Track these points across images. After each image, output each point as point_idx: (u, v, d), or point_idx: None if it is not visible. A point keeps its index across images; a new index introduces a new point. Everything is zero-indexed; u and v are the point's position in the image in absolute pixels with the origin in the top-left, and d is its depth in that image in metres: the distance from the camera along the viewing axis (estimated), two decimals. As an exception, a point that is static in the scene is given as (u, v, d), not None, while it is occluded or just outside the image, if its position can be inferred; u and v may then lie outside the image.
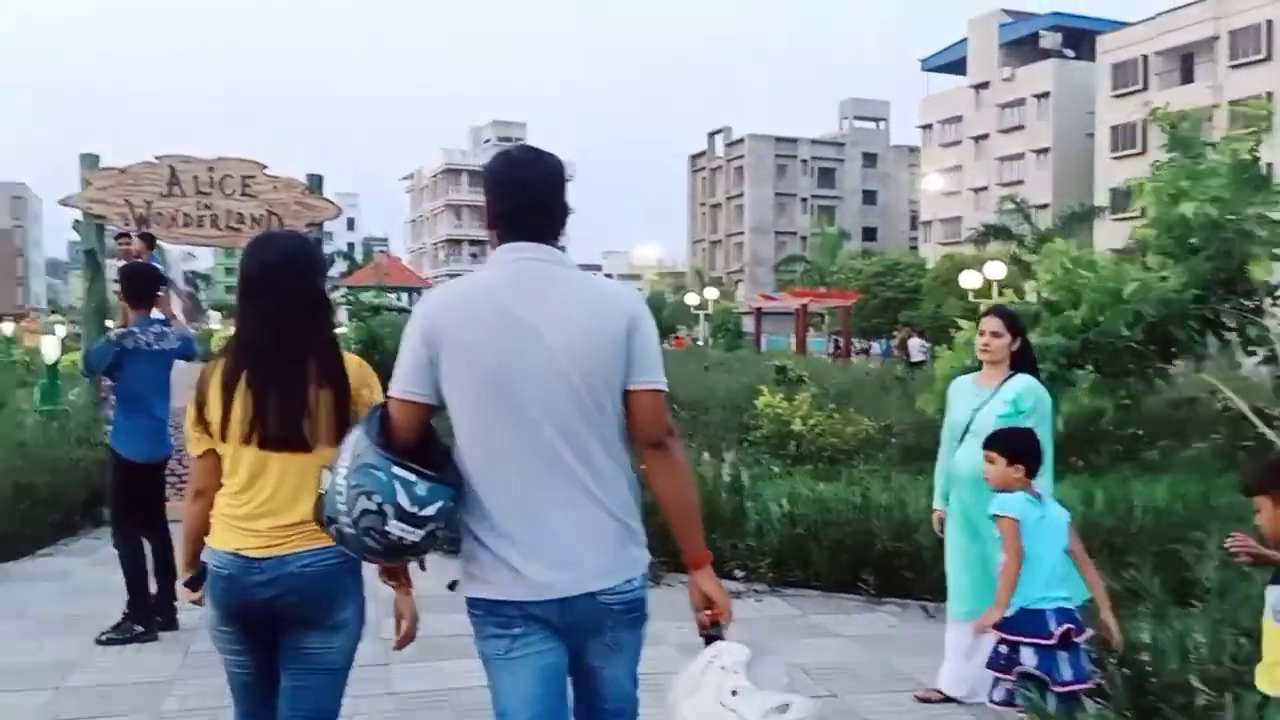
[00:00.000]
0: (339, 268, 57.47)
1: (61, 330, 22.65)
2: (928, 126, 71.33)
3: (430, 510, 2.17)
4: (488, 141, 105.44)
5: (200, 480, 2.65)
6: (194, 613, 5.66)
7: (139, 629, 5.34)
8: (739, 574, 6.22)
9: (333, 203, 12.30)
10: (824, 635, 5.47)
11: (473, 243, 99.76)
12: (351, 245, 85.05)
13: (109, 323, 10.40)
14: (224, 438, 2.58)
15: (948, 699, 4.40)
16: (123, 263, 10.82)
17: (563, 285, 2.30)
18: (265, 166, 11.83)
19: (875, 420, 10.04)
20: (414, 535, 2.18)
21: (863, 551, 5.82)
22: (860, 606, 5.95)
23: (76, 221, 11.30)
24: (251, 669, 2.63)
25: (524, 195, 2.34)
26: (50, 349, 13.72)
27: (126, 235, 10.54)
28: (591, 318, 2.27)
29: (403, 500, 2.15)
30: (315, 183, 12.08)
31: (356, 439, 2.24)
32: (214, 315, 41.64)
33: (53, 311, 52.85)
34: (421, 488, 2.17)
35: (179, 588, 2.71)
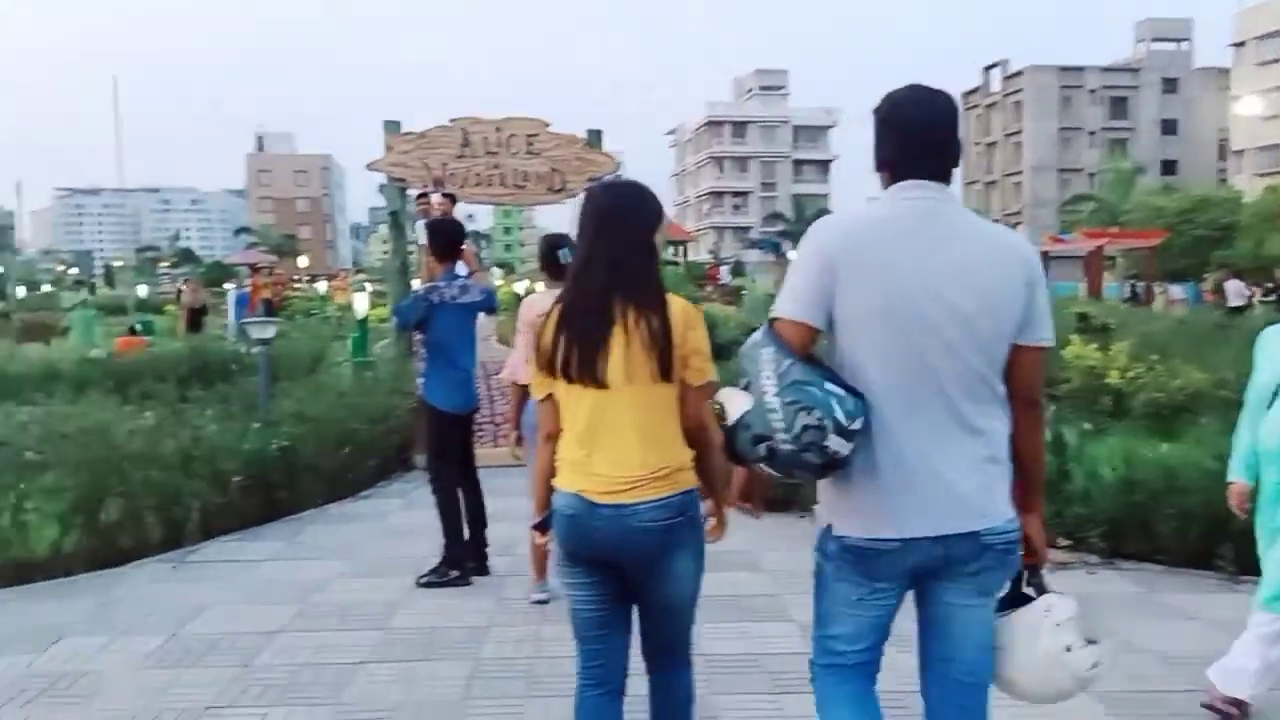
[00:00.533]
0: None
1: (368, 287, 24.59)
2: (1241, 44, 63.63)
3: (857, 424, 2.20)
4: (750, 92, 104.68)
5: (549, 423, 2.73)
6: (504, 560, 5.94)
7: (454, 574, 5.53)
8: (1063, 543, 5.64)
9: (611, 156, 12.41)
10: (1181, 618, 4.83)
11: (735, 194, 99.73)
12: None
13: (415, 281, 11.01)
14: (568, 379, 2.62)
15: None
16: (421, 221, 11.46)
17: (961, 229, 2.31)
18: (548, 124, 12.08)
19: (1208, 372, 8.89)
20: (846, 449, 2.20)
21: (1218, 523, 5.07)
22: (1216, 585, 5.23)
23: (382, 185, 12.02)
24: (596, 606, 2.70)
25: (920, 135, 2.34)
26: (360, 305, 14.84)
27: (425, 196, 11.03)
28: (993, 266, 2.28)
29: (839, 415, 2.18)
30: (594, 138, 12.22)
31: (771, 356, 2.24)
32: (496, 272, 43.97)
33: (358, 271, 57.81)
34: (849, 403, 2.20)
35: (528, 531, 2.80)
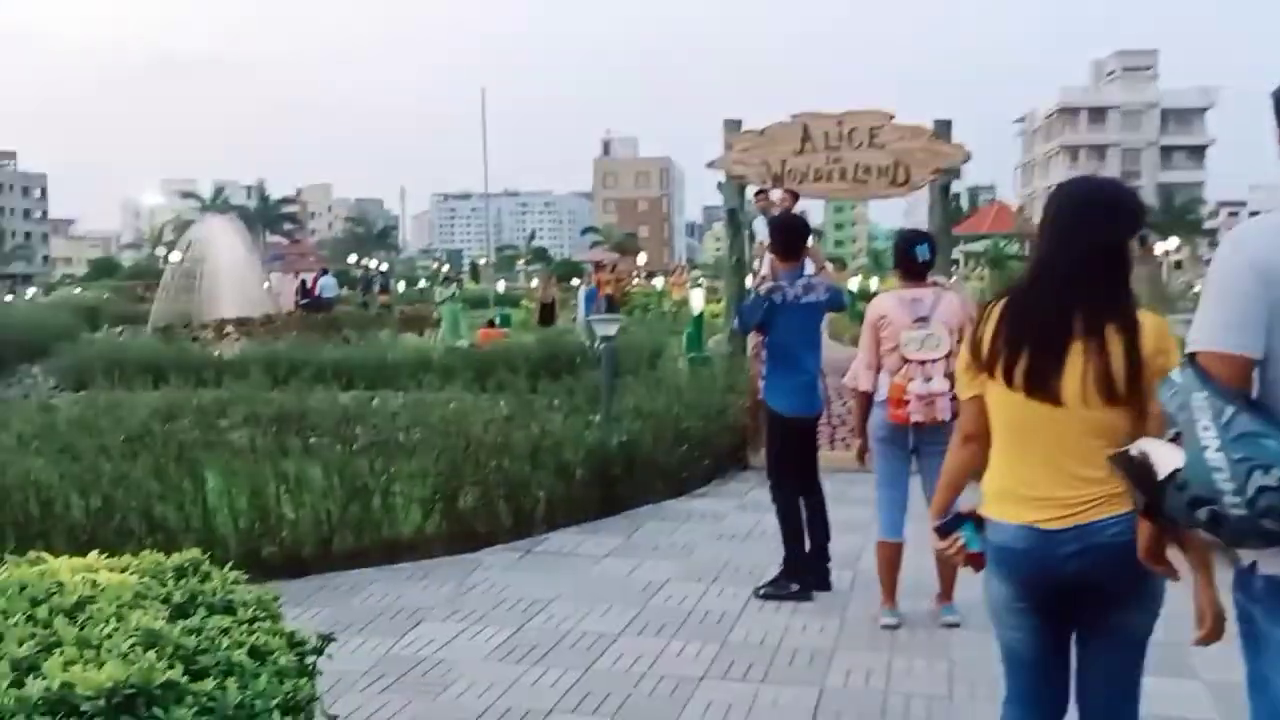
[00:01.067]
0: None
1: (704, 283, 25.02)
2: None
3: None
4: (1111, 75, 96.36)
5: (969, 425, 2.60)
6: (846, 574, 5.60)
7: (794, 587, 5.25)
8: None
9: (960, 147, 11.64)
10: None
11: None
12: (957, 194, 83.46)
13: (761, 273, 10.86)
14: (1009, 384, 2.43)
15: None
16: (761, 218, 11.30)
17: None
18: (892, 116, 11.53)
19: None
20: None
21: None
22: None
23: (720, 183, 12.02)
24: (1038, 645, 2.53)
25: None
26: (696, 300, 15.03)
27: (764, 192, 10.85)
28: None
29: None
30: (942, 128, 11.51)
31: (1207, 402, 1.88)
32: (828, 268, 43.31)
33: (693, 266, 59.42)
34: None
35: (931, 535, 2.55)
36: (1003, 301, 2.51)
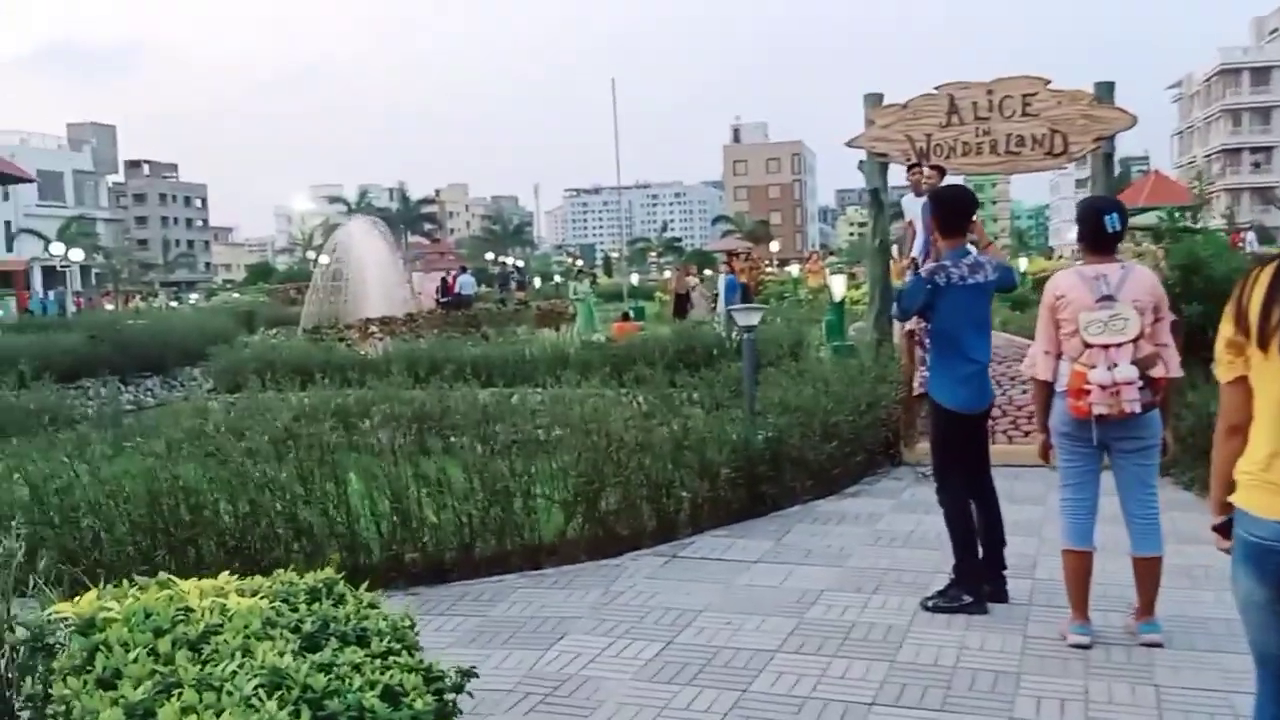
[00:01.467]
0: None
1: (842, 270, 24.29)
2: None
3: None
4: (1275, 32, 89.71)
5: (1234, 414, 2.36)
6: (1023, 584, 5.11)
7: (967, 598, 4.78)
8: None
9: (1125, 111, 10.75)
10: None
11: (1254, 150, 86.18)
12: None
13: (910, 255, 10.35)
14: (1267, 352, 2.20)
15: None
16: (908, 196, 10.72)
17: None
18: (1048, 81, 10.74)
19: None
20: None
21: None
22: None
23: (860, 161, 11.47)
24: None
25: None
26: (837, 287, 14.48)
27: (918, 165, 10.29)
28: None
29: None
30: (1104, 90, 10.65)
31: None
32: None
33: (829, 253, 58.20)
34: None
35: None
36: (1273, 265, 2.24)
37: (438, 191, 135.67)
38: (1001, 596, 4.85)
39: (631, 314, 23.44)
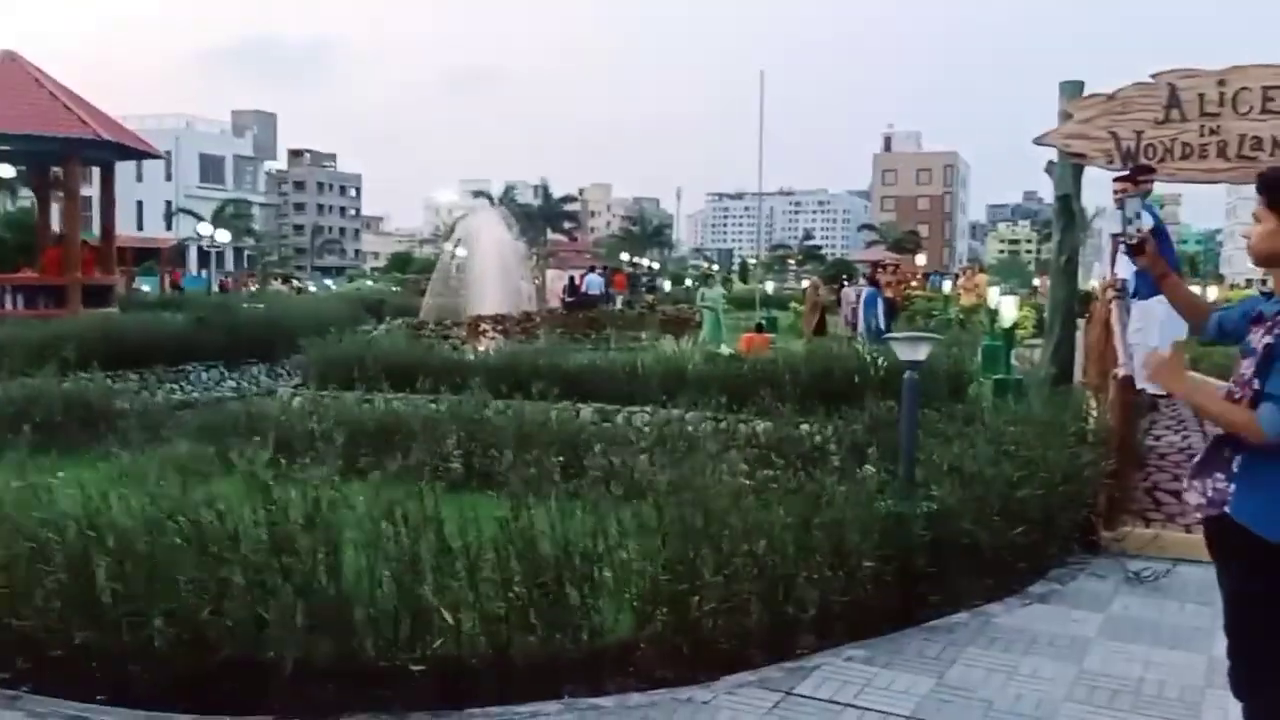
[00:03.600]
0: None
1: (995, 289, 21.79)
2: None
3: None
4: None
5: None
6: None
7: None
8: None
9: (1403, 109, 8.43)
10: None
11: None
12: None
13: (1118, 276, 8.42)
14: None
15: None
16: (1117, 208, 8.63)
17: None
18: (1300, 69, 8.53)
19: None
20: None
21: None
22: None
23: (1050, 163, 9.49)
24: None
25: None
26: (1008, 309, 12.35)
27: (1147, 169, 8.30)
28: None
29: None
30: (1375, 85, 8.38)
31: None
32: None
33: (979, 269, 54.77)
34: None
35: None
36: None
37: (581, 190, 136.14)
38: None
39: (764, 324, 21.53)
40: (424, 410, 7.81)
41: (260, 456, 4.47)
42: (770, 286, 41.26)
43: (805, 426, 7.95)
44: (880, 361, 10.30)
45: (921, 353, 5.50)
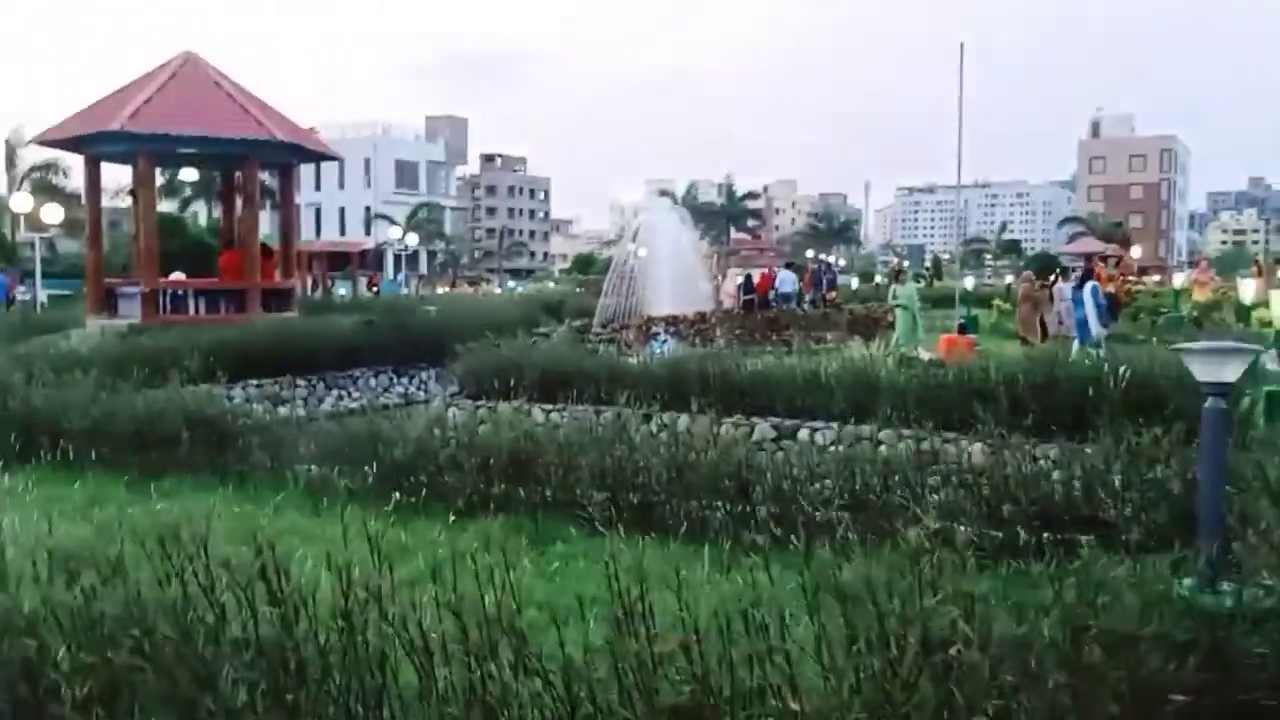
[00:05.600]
0: None
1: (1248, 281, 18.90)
2: None
3: None
4: None
5: None
6: None
7: None
8: None
9: None
10: None
11: None
12: None
13: None
14: None
15: None
16: None
17: None
18: None
19: None
20: None
21: None
22: None
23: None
24: None
25: None
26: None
27: None
28: None
29: None
30: None
31: None
32: None
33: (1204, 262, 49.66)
34: None
35: None
36: None
37: (765, 187, 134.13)
38: None
39: (965, 324, 19.40)
40: (570, 432, 6.64)
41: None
42: (970, 282, 38.30)
43: (1039, 457, 6.28)
44: (1123, 372, 8.41)
45: (1232, 370, 3.81)
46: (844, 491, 5.60)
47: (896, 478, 5.50)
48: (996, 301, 27.38)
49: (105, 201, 35.56)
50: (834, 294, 27.11)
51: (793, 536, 5.57)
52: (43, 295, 31.61)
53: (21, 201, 28.51)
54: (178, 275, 19.92)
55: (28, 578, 3.31)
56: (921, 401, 9.42)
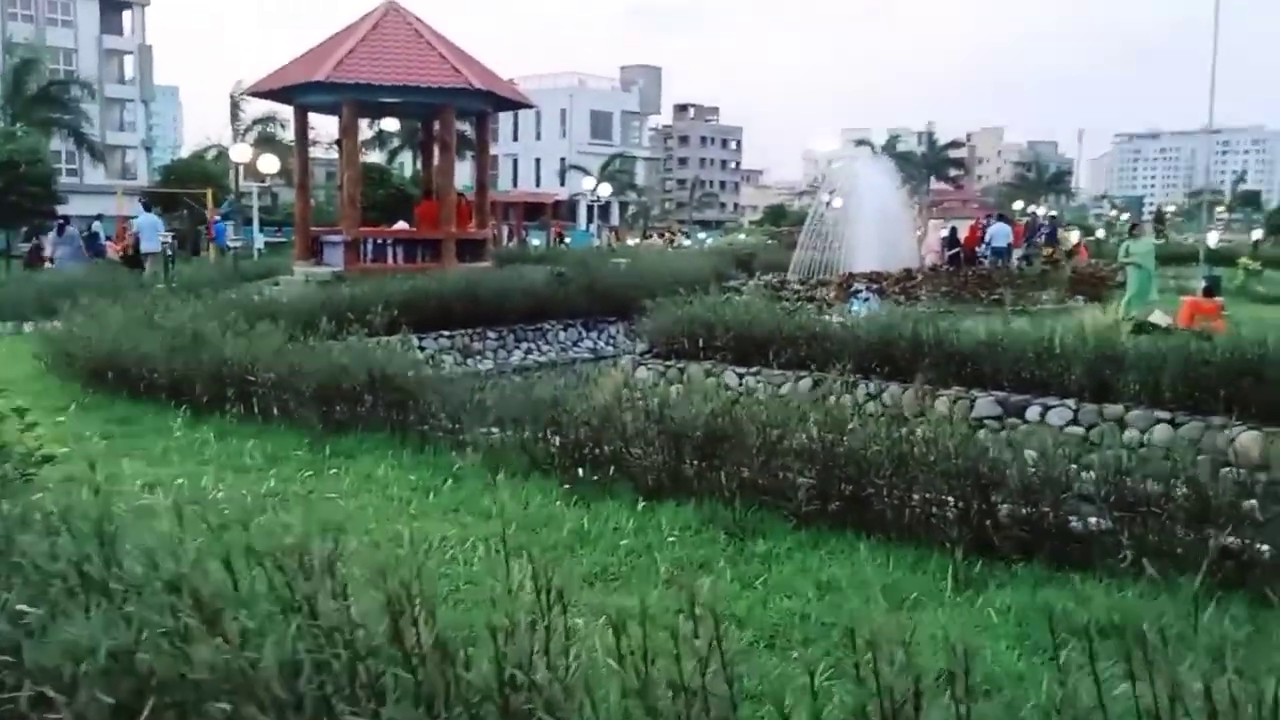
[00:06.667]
0: None
1: None
2: None
3: None
4: None
5: None
6: None
7: None
8: None
9: None
10: None
11: None
12: None
13: None
14: None
15: None
16: None
17: None
18: None
19: None
20: None
21: None
22: None
23: None
24: None
25: None
26: None
27: None
28: None
29: None
30: None
31: None
32: None
33: None
34: None
35: None
36: None
37: (968, 136, 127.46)
38: None
39: (1211, 287, 17.24)
40: (771, 405, 5.88)
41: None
42: (1213, 238, 34.58)
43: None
44: None
45: None
46: (1109, 495, 4.61)
47: (1180, 479, 4.45)
48: (1243, 260, 24.55)
49: (319, 153, 37.14)
50: (1053, 250, 24.97)
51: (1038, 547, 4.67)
52: (259, 242, 33.32)
53: (241, 152, 29.93)
54: (401, 225, 20.23)
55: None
56: (1178, 378, 8.11)
